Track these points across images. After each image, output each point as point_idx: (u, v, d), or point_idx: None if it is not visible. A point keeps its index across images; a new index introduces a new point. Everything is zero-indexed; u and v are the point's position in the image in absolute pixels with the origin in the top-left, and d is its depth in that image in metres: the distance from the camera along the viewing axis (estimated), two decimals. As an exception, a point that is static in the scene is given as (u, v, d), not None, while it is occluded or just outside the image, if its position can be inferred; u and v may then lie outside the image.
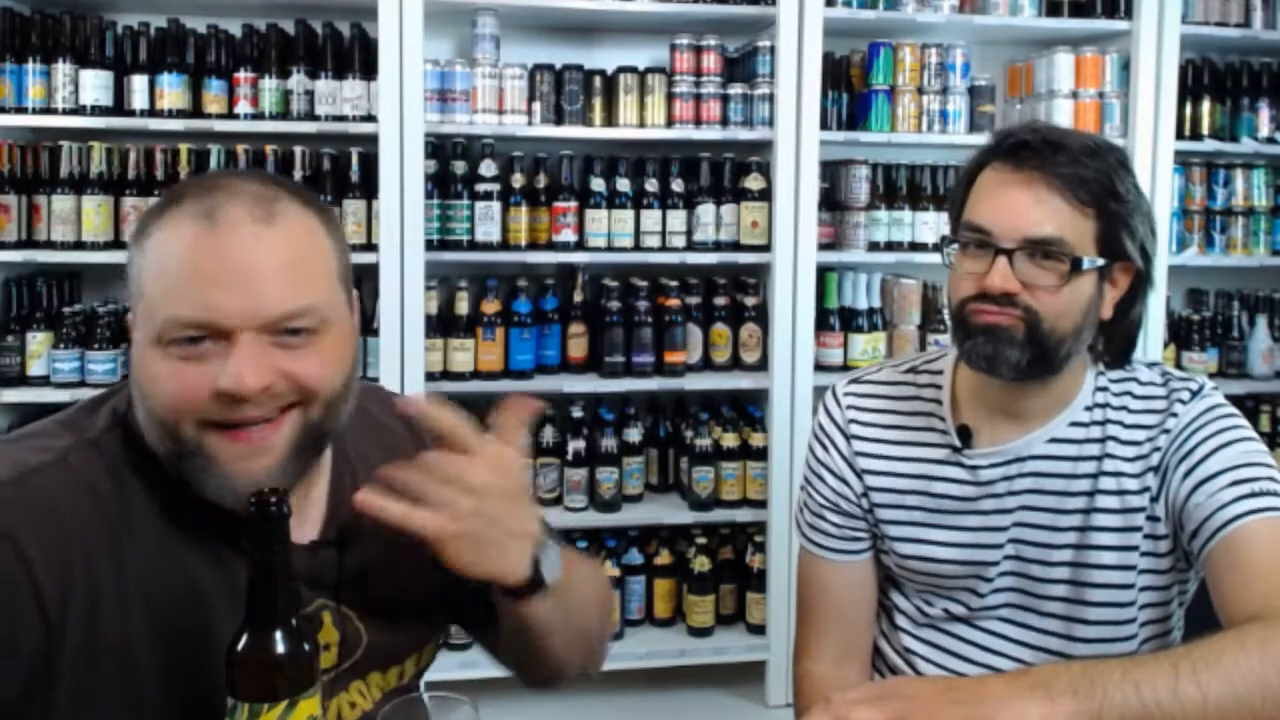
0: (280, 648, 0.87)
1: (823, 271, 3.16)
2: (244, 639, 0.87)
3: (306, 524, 1.09)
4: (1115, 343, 1.32)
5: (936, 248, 1.37)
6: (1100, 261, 1.24)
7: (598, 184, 3.09)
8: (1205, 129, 3.42)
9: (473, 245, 3.00)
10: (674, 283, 3.19)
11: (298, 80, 2.94)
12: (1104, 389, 1.34)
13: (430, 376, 2.96)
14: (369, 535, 1.12)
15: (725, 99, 3.13)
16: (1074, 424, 1.32)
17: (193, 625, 1.00)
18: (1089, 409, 1.33)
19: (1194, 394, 1.30)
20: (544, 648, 1.15)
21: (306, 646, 0.89)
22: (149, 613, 0.98)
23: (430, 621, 1.21)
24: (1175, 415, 1.29)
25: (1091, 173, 1.22)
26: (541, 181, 3.11)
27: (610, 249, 3.08)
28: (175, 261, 0.96)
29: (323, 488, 1.12)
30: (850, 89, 3.26)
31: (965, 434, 1.35)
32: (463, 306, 3.06)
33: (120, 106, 2.91)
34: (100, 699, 0.97)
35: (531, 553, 1.03)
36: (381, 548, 1.13)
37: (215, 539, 1.02)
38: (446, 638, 1.26)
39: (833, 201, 3.25)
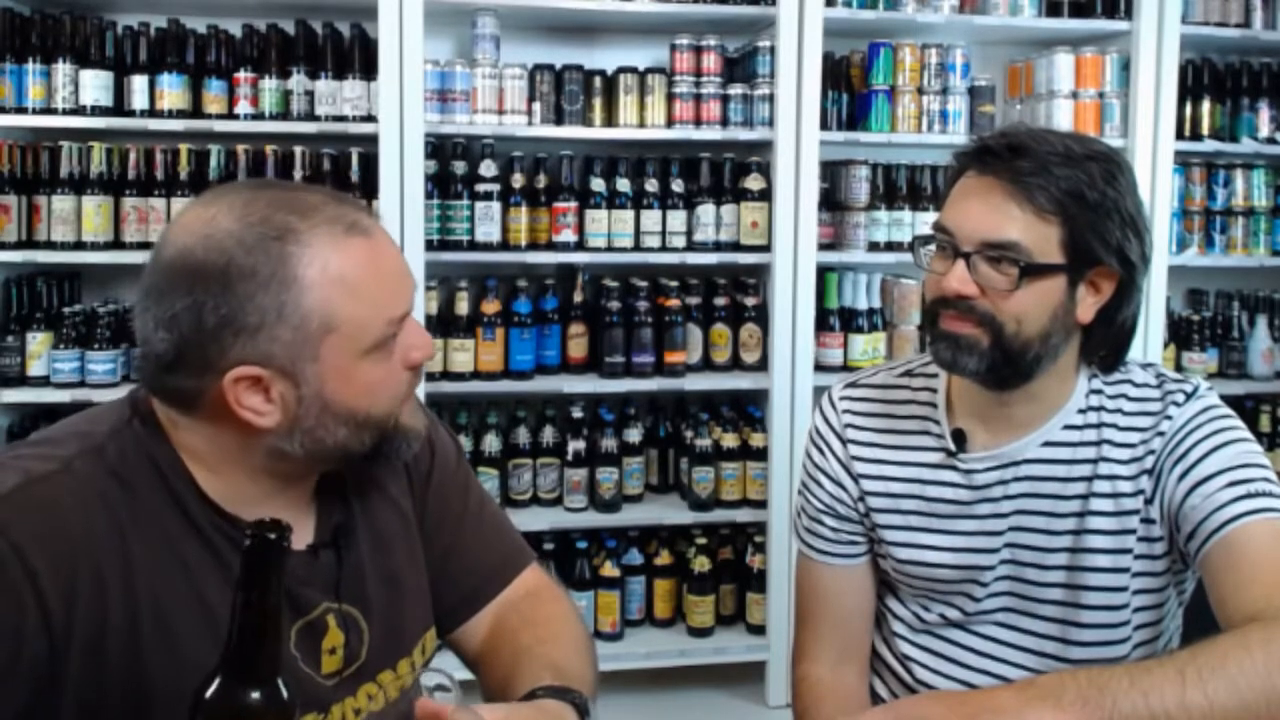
0: (252, 698, 0.78)
1: (823, 271, 3.16)
2: (214, 687, 0.78)
3: (302, 530, 1.11)
4: (1101, 346, 1.31)
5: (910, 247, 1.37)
6: (1057, 263, 1.22)
7: (598, 184, 3.09)
8: (1205, 129, 3.42)
9: (473, 245, 3.00)
10: (674, 283, 3.19)
11: (298, 80, 2.94)
12: (1098, 391, 1.33)
13: (430, 377, 2.95)
14: (361, 533, 1.16)
15: (725, 99, 3.13)
16: (1068, 427, 1.32)
17: (197, 623, 1.02)
18: (1082, 411, 1.33)
19: (1189, 395, 1.30)
20: None
21: (285, 695, 0.80)
22: (155, 613, 1.00)
23: (426, 605, 1.24)
24: (1170, 418, 1.28)
25: (1056, 179, 1.21)
26: (541, 182, 3.11)
27: (610, 249, 3.08)
28: (368, 276, 1.04)
29: (310, 491, 1.14)
30: (850, 89, 3.26)
31: (960, 438, 1.35)
32: (463, 307, 3.06)
33: (120, 107, 2.91)
34: (108, 700, 0.98)
35: None
36: (372, 543, 1.17)
37: (214, 535, 1.05)
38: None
39: (833, 201, 3.24)
